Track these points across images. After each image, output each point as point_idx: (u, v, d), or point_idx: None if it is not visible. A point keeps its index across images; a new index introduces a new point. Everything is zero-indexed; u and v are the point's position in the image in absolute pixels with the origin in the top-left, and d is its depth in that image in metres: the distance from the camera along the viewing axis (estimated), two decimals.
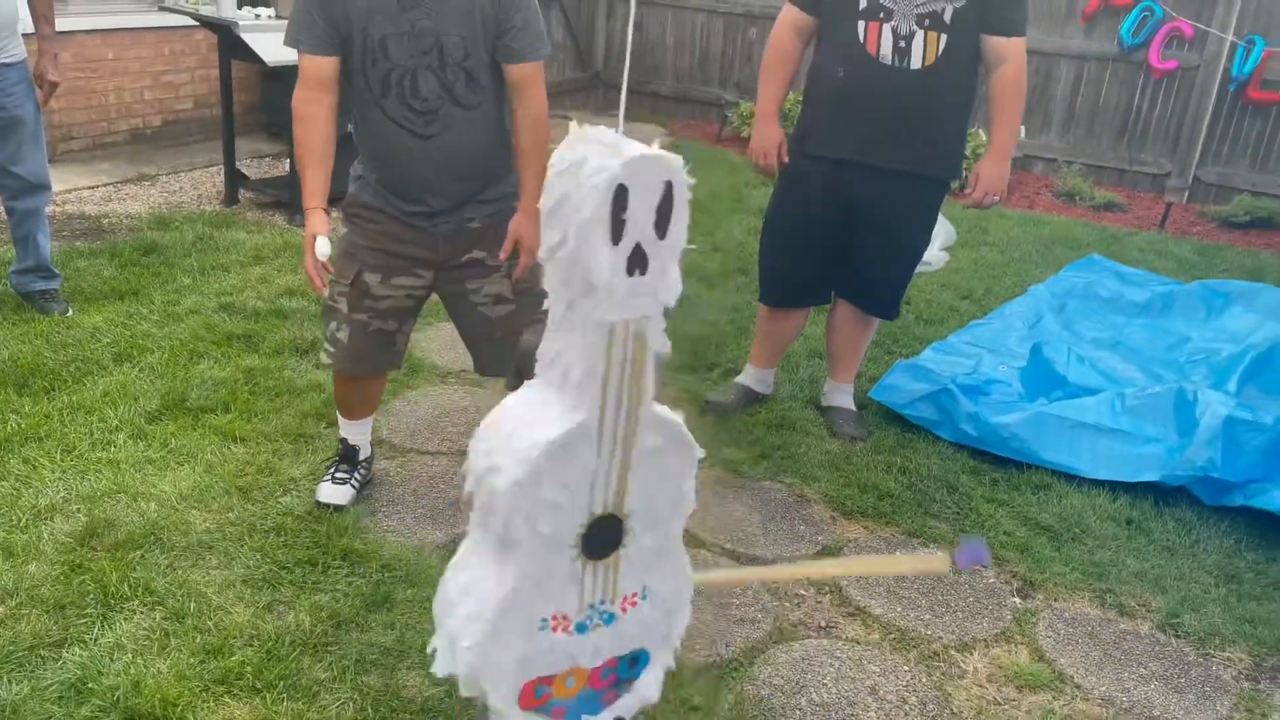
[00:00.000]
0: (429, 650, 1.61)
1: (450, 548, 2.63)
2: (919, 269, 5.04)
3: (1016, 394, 3.58)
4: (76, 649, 2.16)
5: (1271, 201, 6.65)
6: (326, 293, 2.50)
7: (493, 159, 2.56)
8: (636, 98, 8.88)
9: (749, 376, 3.63)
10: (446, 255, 2.57)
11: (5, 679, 2.07)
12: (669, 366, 4.00)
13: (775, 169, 3.28)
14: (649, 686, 1.70)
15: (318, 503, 2.71)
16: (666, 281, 1.46)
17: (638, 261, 1.43)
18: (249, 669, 2.14)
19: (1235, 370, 3.72)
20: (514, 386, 1.73)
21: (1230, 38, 6.71)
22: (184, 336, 3.59)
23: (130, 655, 2.15)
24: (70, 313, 3.71)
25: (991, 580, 2.76)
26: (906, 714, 2.26)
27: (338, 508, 2.70)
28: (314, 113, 2.41)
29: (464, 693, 1.56)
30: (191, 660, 2.15)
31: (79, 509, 2.60)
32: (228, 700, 2.07)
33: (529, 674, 1.58)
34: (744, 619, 2.51)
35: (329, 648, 2.24)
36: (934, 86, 3.05)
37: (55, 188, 4.23)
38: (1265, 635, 2.59)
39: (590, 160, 1.38)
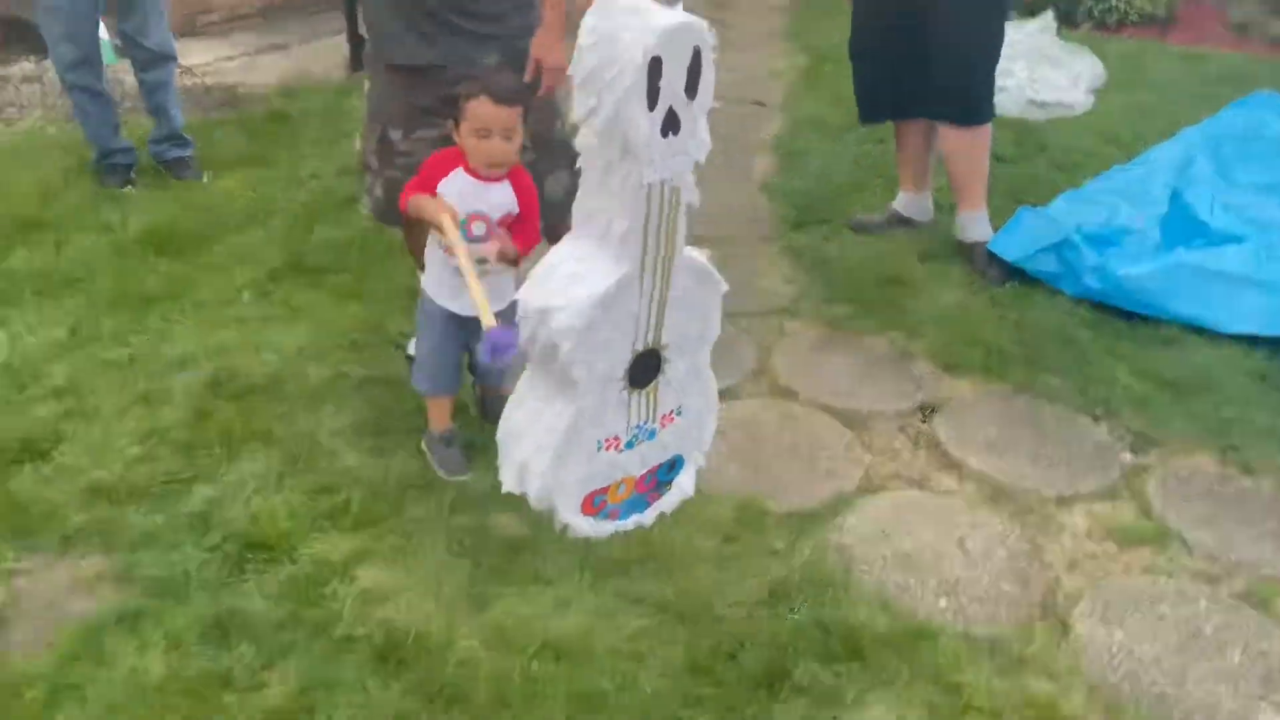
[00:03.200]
0: (501, 476, 1.74)
1: None
2: (1059, 112, 4.73)
3: (1153, 244, 3.34)
4: (204, 485, 2.37)
5: None
6: (358, 144, 2.55)
7: None
8: None
9: (899, 200, 3.67)
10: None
11: (143, 510, 2.30)
12: (779, 222, 3.94)
13: None
14: (686, 484, 1.98)
15: None
16: (697, 139, 1.58)
17: (671, 124, 1.54)
18: (355, 506, 2.30)
19: None
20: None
21: None
22: (305, 200, 3.74)
23: (250, 492, 2.33)
24: (205, 179, 3.91)
25: (1103, 436, 2.64)
26: (995, 566, 2.23)
27: None
28: None
29: (535, 508, 1.77)
30: (303, 498, 2.32)
31: (208, 360, 2.80)
32: (334, 533, 2.23)
33: (588, 488, 1.81)
34: (833, 470, 2.51)
35: (428, 490, 2.37)
36: None
37: (195, 60, 4.42)
38: None
39: (624, 34, 1.47)
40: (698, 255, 1.72)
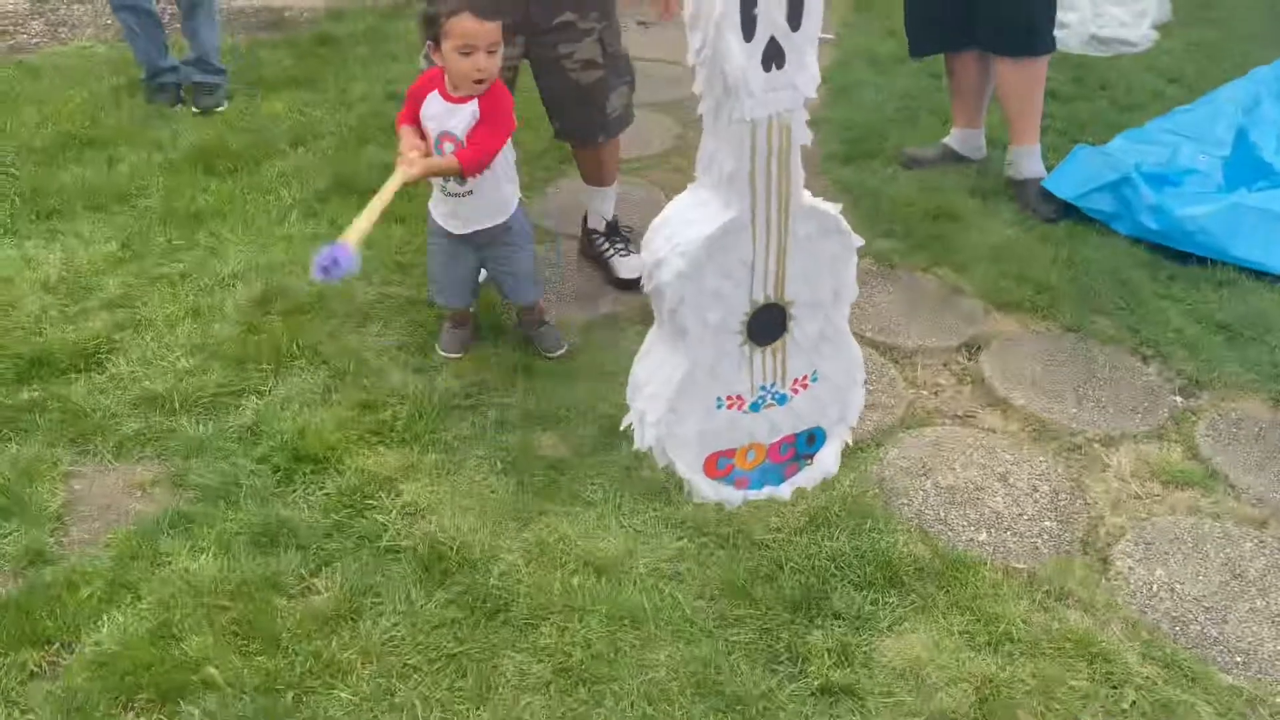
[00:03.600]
0: (623, 427, 1.69)
1: (590, 328, 2.72)
2: (1121, 49, 4.58)
3: (1215, 185, 3.25)
4: (253, 398, 2.41)
5: None
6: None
7: None
8: None
9: (952, 137, 3.61)
10: (538, 18, 2.49)
11: (195, 420, 2.35)
12: (827, 156, 3.88)
13: None
14: (828, 460, 1.79)
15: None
16: (805, 73, 1.46)
17: (773, 55, 1.45)
18: (399, 422, 2.33)
19: None
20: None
21: None
22: (353, 122, 3.74)
23: (298, 406, 2.37)
24: (224, 107, 3.89)
25: (1152, 377, 2.60)
26: (1036, 501, 2.22)
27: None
28: None
29: (657, 462, 1.66)
30: (350, 413, 2.36)
31: (257, 278, 2.83)
32: (380, 448, 2.27)
33: (710, 447, 1.69)
34: (876, 404, 2.49)
35: (473, 409, 2.40)
36: None
37: None
38: None
39: None
40: (827, 206, 1.60)
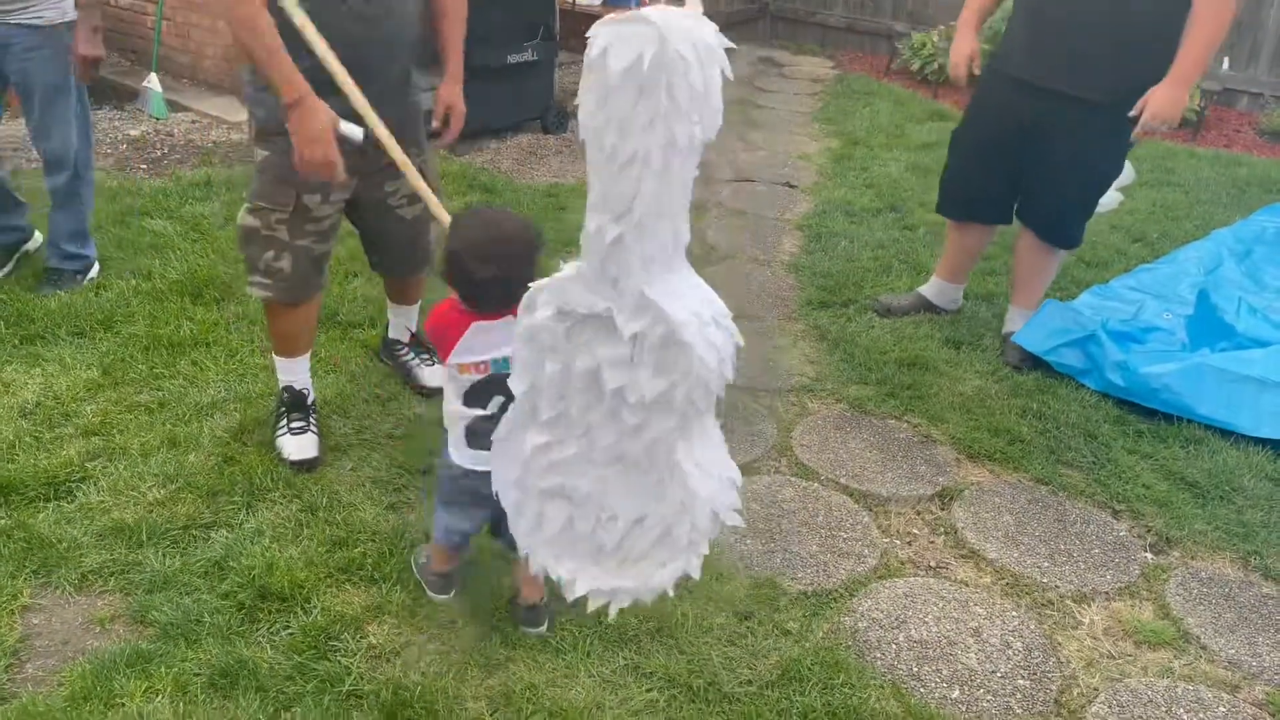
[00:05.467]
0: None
1: None
2: None
3: (1179, 343, 3.35)
4: (223, 531, 2.39)
5: None
6: (254, 221, 2.44)
7: (416, 35, 2.52)
8: (805, 28, 8.65)
9: (930, 287, 3.71)
10: (373, 158, 2.37)
11: (162, 553, 2.31)
12: (804, 302, 3.97)
13: (964, 80, 3.36)
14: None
15: (290, 462, 2.60)
16: None
17: None
18: (369, 560, 2.30)
19: None
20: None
21: None
22: (341, 257, 3.81)
23: (268, 540, 2.35)
24: (80, 288, 3.38)
25: (1123, 533, 2.62)
26: (1009, 659, 2.20)
27: (312, 462, 2.61)
28: (253, 9, 2.16)
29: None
30: (320, 549, 2.33)
31: (235, 408, 2.84)
32: (348, 587, 2.24)
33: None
34: (849, 552, 2.49)
35: None
36: (1135, 8, 2.95)
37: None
38: None
39: None
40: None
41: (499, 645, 2.12)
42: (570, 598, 1.73)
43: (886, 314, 3.64)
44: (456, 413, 1.97)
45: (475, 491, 1.96)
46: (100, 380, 2.93)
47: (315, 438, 2.66)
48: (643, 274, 1.45)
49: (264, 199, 2.45)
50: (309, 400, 2.74)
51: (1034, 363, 3.31)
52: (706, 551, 1.63)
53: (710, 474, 1.60)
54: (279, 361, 2.73)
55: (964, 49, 3.35)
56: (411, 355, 3.10)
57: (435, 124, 2.66)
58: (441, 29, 2.64)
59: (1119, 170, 3.33)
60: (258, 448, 2.67)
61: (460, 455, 2.00)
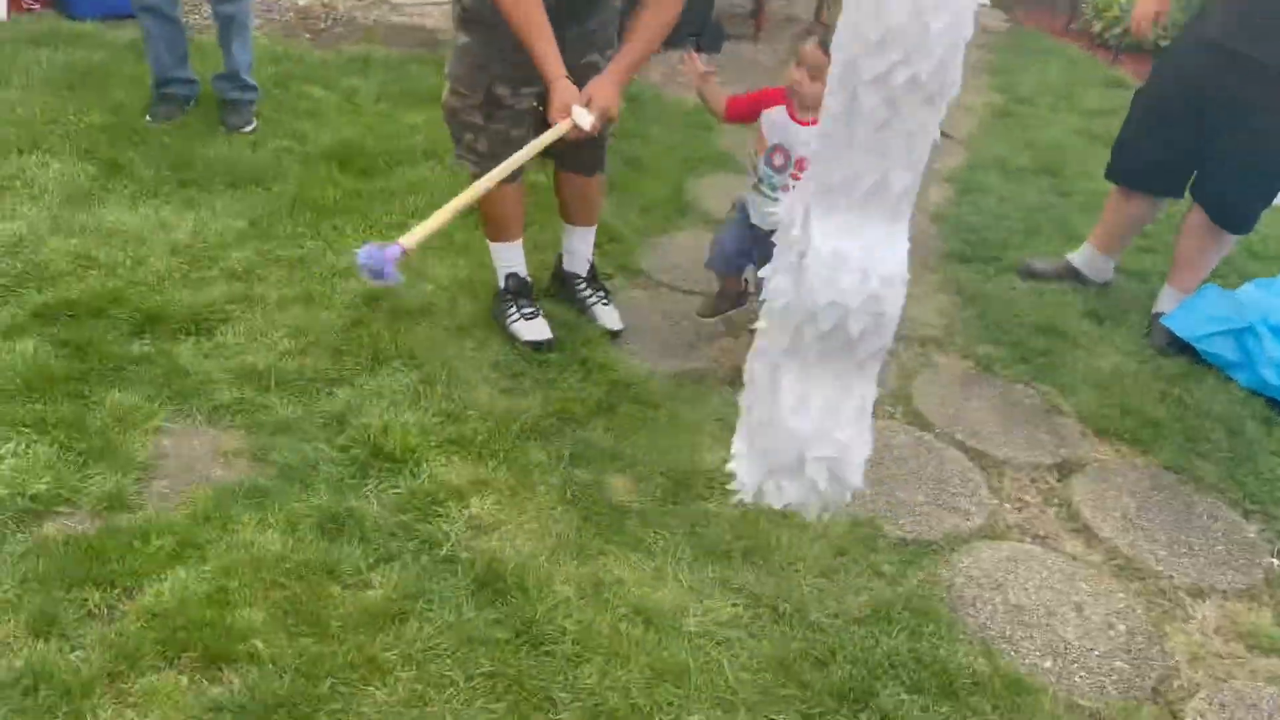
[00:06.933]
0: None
1: (679, 380, 2.72)
2: None
3: None
4: (345, 388, 2.47)
5: None
6: (454, 101, 2.57)
7: None
8: None
9: (1080, 255, 3.52)
10: (568, 60, 2.44)
11: (287, 399, 2.41)
12: (944, 254, 3.84)
13: (1146, 38, 3.25)
14: None
15: (529, 343, 2.69)
16: None
17: None
18: (479, 437, 2.35)
19: None
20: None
21: None
22: None
23: (386, 404, 2.42)
24: (253, 127, 3.68)
25: (1251, 535, 2.48)
26: (1110, 639, 2.12)
27: (550, 342, 2.70)
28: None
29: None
30: (433, 419, 2.39)
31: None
32: (455, 459, 2.29)
33: None
34: (955, 508, 2.43)
35: (551, 437, 2.41)
36: None
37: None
38: None
39: None
40: None
41: (593, 537, 2.14)
42: None
43: (1030, 276, 3.48)
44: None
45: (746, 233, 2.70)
46: (247, 231, 3.04)
47: (545, 320, 2.75)
48: None
49: (460, 84, 2.56)
50: (530, 285, 2.82)
51: (1180, 348, 3.13)
52: None
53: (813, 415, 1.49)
54: (496, 249, 2.81)
55: (1150, 5, 3.14)
56: (589, 292, 2.93)
57: (593, 126, 2.42)
58: (640, 16, 2.51)
59: None
60: (386, 315, 2.74)
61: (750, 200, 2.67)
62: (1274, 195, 3.12)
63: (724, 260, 2.83)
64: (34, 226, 2.91)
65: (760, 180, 2.64)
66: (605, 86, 2.43)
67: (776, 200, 2.41)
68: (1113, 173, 3.39)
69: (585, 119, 2.36)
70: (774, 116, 2.58)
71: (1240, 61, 2.89)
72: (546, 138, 2.29)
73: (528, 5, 2.35)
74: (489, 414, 2.44)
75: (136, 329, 2.56)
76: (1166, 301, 3.30)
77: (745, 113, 2.64)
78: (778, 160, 2.58)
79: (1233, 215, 3.16)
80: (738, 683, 1.86)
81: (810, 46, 2.47)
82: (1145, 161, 3.26)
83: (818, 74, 2.39)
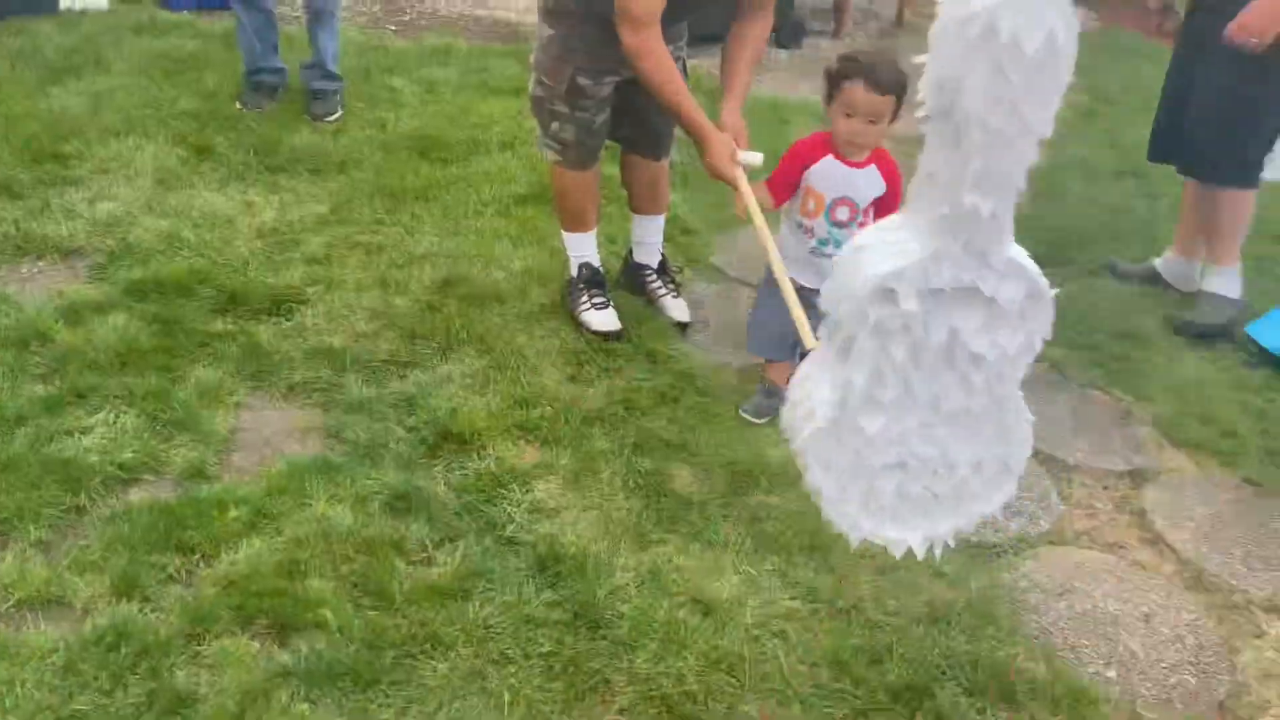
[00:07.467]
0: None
1: (745, 374, 2.73)
2: None
3: None
4: (417, 371, 2.53)
5: None
6: (540, 91, 2.61)
7: None
8: None
9: (1163, 261, 3.46)
10: None
11: (360, 380, 2.48)
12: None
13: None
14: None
15: (599, 333, 2.72)
16: None
17: None
18: (545, 423, 2.39)
19: None
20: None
21: None
22: None
23: (456, 387, 2.48)
24: (338, 115, 3.78)
25: None
26: (1178, 652, 2.07)
27: (618, 333, 2.73)
28: (658, 45, 2.36)
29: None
30: (501, 404, 2.44)
31: (444, 262, 2.97)
32: (522, 443, 2.34)
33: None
34: (1022, 511, 2.39)
35: (615, 424, 2.44)
36: None
37: None
38: None
39: None
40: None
41: (654, 525, 2.17)
42: (899, 556, 1.61)
43: (1114, 278, 3.42)
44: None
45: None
46: (328, 216, 3.13)
47: (615, 311, 2.77)
48: (1008, 242, 1.44)
49: (544, 74, 2.61)
50: (603, 275, 2.85)
51: (1264, 359, 3.03)
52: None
53: None
54: (569, 239, 2.84)
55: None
56: (659, 284, 2.94)
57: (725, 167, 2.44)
58: (734, 55, 2.57)
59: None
60: (459, 301, 2.80)
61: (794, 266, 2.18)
62: (1249, 141, 3.05)
63: (770, 343, 2.54)
64: (129, 207, 3.04)
65: (824, 242, 2.40)
66: (734, 115, 2.49)
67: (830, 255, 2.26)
68: (1150, 152, 3.40)
69: (753, 158, 2.37)
70: (826, 169, 2.36)
71: (1214, 20, 2.89)
72: (757, 217, 2.19)
73: (669, 71, 2.38)
74: (555, 400, 2.47)
75: (220, 308, 2.66)
76: (1210, 278, 3.24)
77: (790, 180, 2.42)
78: (841, 214, 2.37)
79: (1219, 169, 3.10)
80: (792, 675, 1.87)
81: (861, 92, 2.24)
82: (1156, 130, 3.29)
83: (877, 118, 2.26)
